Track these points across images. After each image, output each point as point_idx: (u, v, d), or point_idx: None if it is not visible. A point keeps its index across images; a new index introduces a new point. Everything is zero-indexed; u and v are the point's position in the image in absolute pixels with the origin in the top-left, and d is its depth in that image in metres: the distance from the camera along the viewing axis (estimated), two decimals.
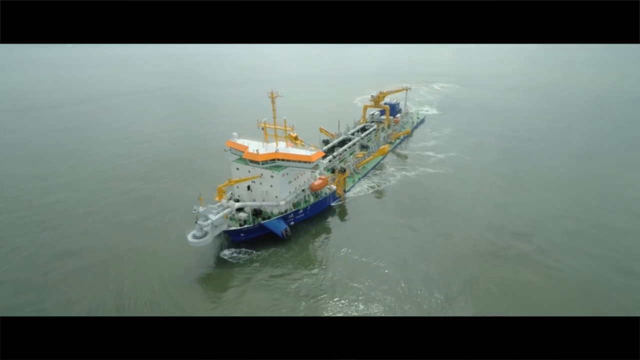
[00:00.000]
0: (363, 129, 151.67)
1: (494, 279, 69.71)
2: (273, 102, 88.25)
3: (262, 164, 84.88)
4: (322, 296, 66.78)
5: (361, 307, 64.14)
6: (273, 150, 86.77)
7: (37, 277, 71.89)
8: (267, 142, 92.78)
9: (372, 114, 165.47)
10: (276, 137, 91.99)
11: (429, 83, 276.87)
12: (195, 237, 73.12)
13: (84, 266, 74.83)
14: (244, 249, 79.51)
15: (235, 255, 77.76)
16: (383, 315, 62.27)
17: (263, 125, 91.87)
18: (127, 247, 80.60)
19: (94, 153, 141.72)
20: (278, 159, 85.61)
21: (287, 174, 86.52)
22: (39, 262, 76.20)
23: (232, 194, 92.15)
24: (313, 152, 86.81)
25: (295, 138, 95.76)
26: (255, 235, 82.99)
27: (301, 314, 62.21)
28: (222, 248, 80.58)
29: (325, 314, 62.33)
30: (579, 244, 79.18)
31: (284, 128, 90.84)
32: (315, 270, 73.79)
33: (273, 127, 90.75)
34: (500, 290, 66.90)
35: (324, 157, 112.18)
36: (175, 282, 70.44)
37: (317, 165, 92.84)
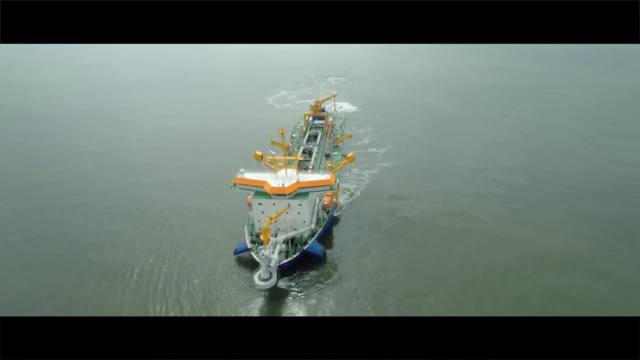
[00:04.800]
0: (309, 137, 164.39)
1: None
2: (283, 138, 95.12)
3: (288, 196, 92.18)
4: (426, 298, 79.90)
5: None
6: (291, 180, 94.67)
7: None
8: (276, 172, 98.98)
9: (307, 120, 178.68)
10: (286, 167, 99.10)
11: (325, 77, 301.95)
12: (262, 279, 78.16)
13: None
14: (298, 271, 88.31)
15: (295, 282, 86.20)
16: (383, 315, 73.21)
17: (271, 158, 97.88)
18: None
19: None
20: (300, 188, 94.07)
21: (311, 199, 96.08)
22: None
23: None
24: (329, 176, 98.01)
25: (261, 157, 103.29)
26: (294, 262, 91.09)
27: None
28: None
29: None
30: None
31: (294, 158, 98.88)
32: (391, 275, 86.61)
33: (283, 158, 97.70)
34: None
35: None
36: None
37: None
